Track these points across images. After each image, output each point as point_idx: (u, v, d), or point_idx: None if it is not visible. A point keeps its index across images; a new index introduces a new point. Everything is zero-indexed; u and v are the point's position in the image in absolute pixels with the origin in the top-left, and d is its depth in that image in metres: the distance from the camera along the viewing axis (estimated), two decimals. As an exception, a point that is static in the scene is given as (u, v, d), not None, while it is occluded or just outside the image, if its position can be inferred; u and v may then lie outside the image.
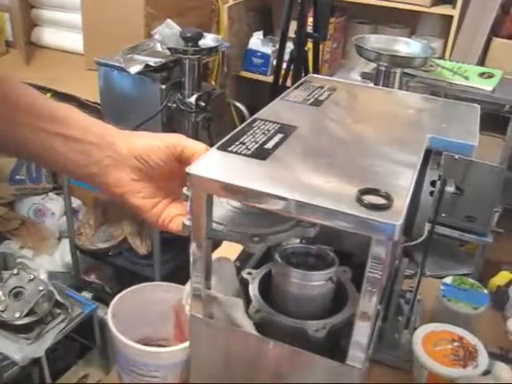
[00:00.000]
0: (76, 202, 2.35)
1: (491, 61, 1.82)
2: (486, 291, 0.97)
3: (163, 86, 1.71)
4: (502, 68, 1.53)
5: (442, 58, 1.80)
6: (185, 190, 0.58)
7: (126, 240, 1.93)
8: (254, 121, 0.67)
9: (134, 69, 1.69)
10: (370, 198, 0.50)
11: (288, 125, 0.66)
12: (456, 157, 1.48)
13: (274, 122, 0.67)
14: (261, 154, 0.58)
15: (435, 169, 0.74)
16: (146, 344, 0.71)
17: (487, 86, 1.42)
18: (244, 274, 0.71)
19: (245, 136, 0.62)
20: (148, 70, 1.71)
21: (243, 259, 0.75)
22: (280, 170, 0.57)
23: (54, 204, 2.33)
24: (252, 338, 0.61)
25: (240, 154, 0.58)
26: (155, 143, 0.61)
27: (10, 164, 2.26)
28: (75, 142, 0.59)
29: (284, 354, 0.60)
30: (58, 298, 1.55)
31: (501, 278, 1.07)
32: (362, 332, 0.56)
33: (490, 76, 1.47)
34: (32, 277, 1.80)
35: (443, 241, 1.68)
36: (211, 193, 0.54)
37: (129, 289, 0.78)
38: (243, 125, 0.65)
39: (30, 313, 1.64)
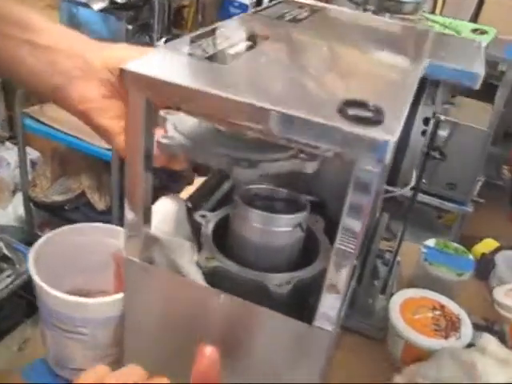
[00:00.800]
0: (35, 154, 2.20)
1: (484, 19, 1.71)
2: (471, 257, 0.87)
3: (130, 26, 1.57)
4: (495, 27, 1.42)
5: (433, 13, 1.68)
6: (162, 112, 0.50)
7: (84, 194, 1.80)
8: (217, 28, 0.54)
9: (98, 5, 1.54)
10: (356, 112, 0.39)
11: (258, 35, 0.54)
12: (442, 118, 1.38)
13: (242, 31, 0.54)
14: (221, 58, 0.46)
15: (429, 105, 0.63)
16: (79, 296, 0.59)
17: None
18: (197, 216, 0.60)
19: (203, 40, 0.50)
20: (114, 7, 1.56)
21: (197, 200, 0.63)
22: (243, 76, 0.45)
23: (10, 154, 2.17)
24: (199, 289, 0.50)
25: (194, 55, 0.46)
26: (134, 55, 0.52)
27: (-39, 109, 2.09)
28: (44, 51, 0.53)
29: (236, 311, 0.49)
30: (5, 251, 1.42)
31: (485, 246, 0.98)
32: (331, 304, 0.45)
33: (483, 33, 1.36)
34: (-24, 227, 1.67)
35: (421, 210, 1.59)
36: (151, 97, 0.42)
37: (60, 229, 0.66)
38: (202, 29, 0.53)
39: (-26, 265, 1.51)
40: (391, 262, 0.79)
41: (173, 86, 0.40)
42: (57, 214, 1.90)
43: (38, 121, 1.73)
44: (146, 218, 0.49)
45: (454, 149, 1.38)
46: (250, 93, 0.40)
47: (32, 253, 0.60)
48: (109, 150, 1.61)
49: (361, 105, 0.40)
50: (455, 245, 0.89)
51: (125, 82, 0.42)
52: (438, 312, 0.74)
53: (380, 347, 0.78)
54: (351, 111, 0.39)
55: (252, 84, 0.44)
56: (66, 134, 1.67)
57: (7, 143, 2.24)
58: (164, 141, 0.49)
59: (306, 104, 0.40)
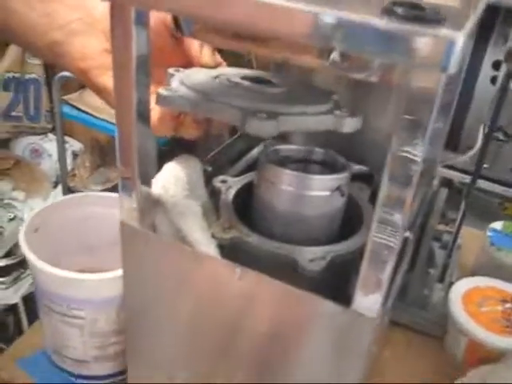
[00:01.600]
0: (77, 145, 2.16)
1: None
2: (548, 242, 0.74)
3: None
4: None
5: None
6: (171, 70, 0.44)
7: (122, 184, 1.74)
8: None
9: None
10: (407, 12, 0.28)
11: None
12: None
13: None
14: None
15: (500, 45, 0.51)
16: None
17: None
18: (216, 182, 0.50)
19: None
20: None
21: (219, 164, 0.54)
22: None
23: (53, 145, 2.14)
24: (209, 261, 0.40)
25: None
26: None
27: (5, 99, 2.07)
28: (39, 2, 0.48)
29: (256, 289, 0.39)
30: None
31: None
32: (374, 284, 0.35)
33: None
34: (12, 216, 1.63)
35: (481, 198, 1.45)
36: (147, 6, 0.33)
37: (62, 198, 0.58)
38: None
39: (8, 255, 1.47)
40: (451, 244, 0.67)
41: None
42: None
43: (77, 108, 1.69)
44: (145, 178, 0.40)
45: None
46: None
47: (29, 223, 0.52)
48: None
49: (413, 6, 0.29)
50: (527, 228, 0.76)
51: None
52: (509, 305, 0.62)
53: (437, 345, 0.66)
54: (401, 11, 0.28)
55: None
56: (104, 120, 1.62)
57: (50, 135, 2.21)
58: (165, 92, 0.40)
59: (338, 5, 0.30)
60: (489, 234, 0.74)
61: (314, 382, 0.39)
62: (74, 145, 2.16)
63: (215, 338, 0.42)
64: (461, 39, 0.26)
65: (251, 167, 0.56)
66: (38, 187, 1.99)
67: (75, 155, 2.13)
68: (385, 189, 0.32)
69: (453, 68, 0.26)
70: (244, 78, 0.44)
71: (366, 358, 0.38)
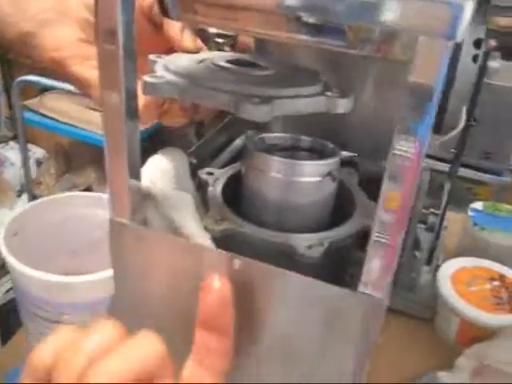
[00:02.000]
0: (40, 152, 2.11)
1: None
2: (529, 219, 0.75)
3: None
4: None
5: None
6: (152, 56, 0.42)
7: (89, 189, 1.70)
8: None
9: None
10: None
11: None
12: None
13: None
14: None
15: (481, 23, 0.51)
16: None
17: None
18: (202, 174, 0.49)
19: None
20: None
21: (203, 156, 0.52)
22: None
23: (15, 154, 2.09)
24: (206, 253, 0.38)
25: None
26: None
27: (-38, 108, 2.01)
28: None
29: (256, 280, 0.38)
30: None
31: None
32: (379, 266, 0.35)
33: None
34: (-22, 227, 1.58)
35: (453, 184, 1.47)
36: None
37: (40, 200, 0.55)
38: None
39: (-23, 268, 1.43)
40: (438, 226, 0.67)
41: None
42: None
43: (38, 113, 1.64)
44: (133, 172, 0.38)
45: (488, 113, 1.26)
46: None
47: (5, 228, 0.49)
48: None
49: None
50: (507, 206, 0.77)
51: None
52: (496, 283, 0.62)
53: (427, 327, 0.66)
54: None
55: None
56: (67, 124, 1.58)
57: (11, 143, 2.16)
58: (150, 80, 0.38)
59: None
60: (471, 214, 0.75)
61: (319, 368, 0.39)
62: (37, 152, 2.11)
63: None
64: (470, 5, 0.25)
65: (235, 158, 0.55)
66: (3, 197, 1.93)
67: (39, 163, 2.09)
68: (385, 189, 0.31)
69: (460, 36, 0.25)
70: (228, 61, 0.43)
71: (374, 338, 0.38)
